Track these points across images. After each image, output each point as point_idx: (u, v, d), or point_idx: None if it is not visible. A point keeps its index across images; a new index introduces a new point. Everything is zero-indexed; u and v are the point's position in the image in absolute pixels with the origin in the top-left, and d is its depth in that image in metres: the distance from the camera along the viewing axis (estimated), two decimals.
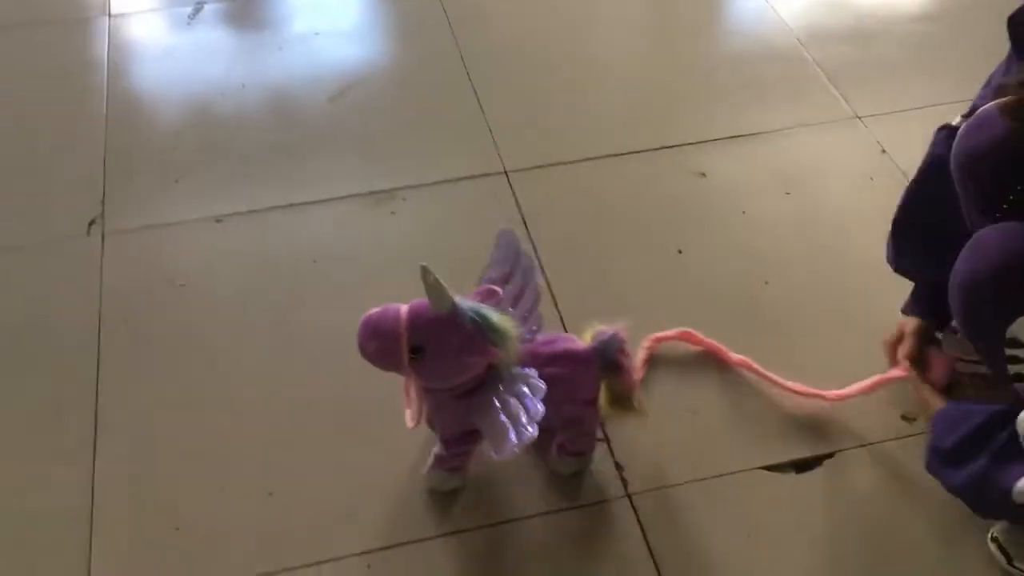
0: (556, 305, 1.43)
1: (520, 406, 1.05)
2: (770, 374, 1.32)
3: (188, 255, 1.55)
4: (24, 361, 1.40)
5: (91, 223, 1.59)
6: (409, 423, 1.16)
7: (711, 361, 1.36)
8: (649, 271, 1.51)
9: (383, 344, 1.06)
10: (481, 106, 1.82)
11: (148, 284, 1.50)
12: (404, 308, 1.07)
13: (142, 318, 1.46)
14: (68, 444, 1.28)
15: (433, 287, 1.03)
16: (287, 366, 1.38)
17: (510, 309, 1.17)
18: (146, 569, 1.16)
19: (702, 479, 1.23)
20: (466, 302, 1.07)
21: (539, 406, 1.05)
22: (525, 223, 1.58)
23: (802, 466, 1.24)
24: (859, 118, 1.77)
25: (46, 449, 1.29)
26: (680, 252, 1.53)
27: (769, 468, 1.24)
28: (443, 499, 1.21)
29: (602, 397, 1.21)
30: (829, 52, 1.92)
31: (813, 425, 1.28)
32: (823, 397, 1.29)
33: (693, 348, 1.38)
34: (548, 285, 1.46)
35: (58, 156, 1.74)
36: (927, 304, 1.29)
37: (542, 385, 1.08)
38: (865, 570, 1.15)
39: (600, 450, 1.26)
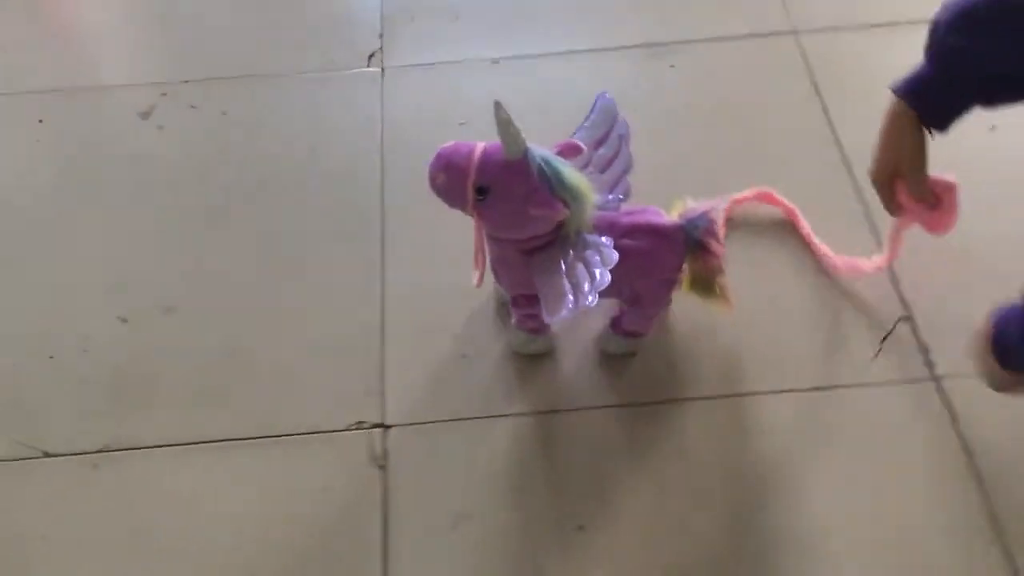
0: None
1: (586, 273, 0.99)
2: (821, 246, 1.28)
3: (466, 94, 1.53)
4: (313, 182, 1.43)
5: (371, 56, 1.60)
6: (475, 280, 1.11)
7: None
8: None
9: (450, 178, 1.01)
10: None
11: (428, 118, 1.50)
12: (479, 145, 1.01)
13: (424, 150, 1.46)
14: (358, 263, 1.32)
15: (505, 127, 0.96)
16: None
17: (597, 174, 1.10)
18: (435, 387, 1.19)
19: None
20: (540, 150, 1.00)
21: (606, 276, 0.98)
22: (818, 91, 1.49)
23: None
24: None
25: (338, 265, 1.32)
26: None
27: None
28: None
29: (683, 279, 1.13)
30: None
31: None
32: (861, 270, 1.25)
33: None
34: (847, 165, 1.39)
35: None
36: (938, 92, 1.02)
37: (614, 255, 1.00)
38: None
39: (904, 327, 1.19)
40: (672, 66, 1.55)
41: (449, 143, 1.03)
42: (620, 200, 1.16)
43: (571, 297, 0.98)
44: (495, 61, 1.58)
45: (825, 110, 1.47)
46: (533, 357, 1.22)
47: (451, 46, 1.61)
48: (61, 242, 1.36)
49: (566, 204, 1.01)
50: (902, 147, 1.06)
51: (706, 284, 1.14)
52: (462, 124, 1.48)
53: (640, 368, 1.20)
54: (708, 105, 1.50)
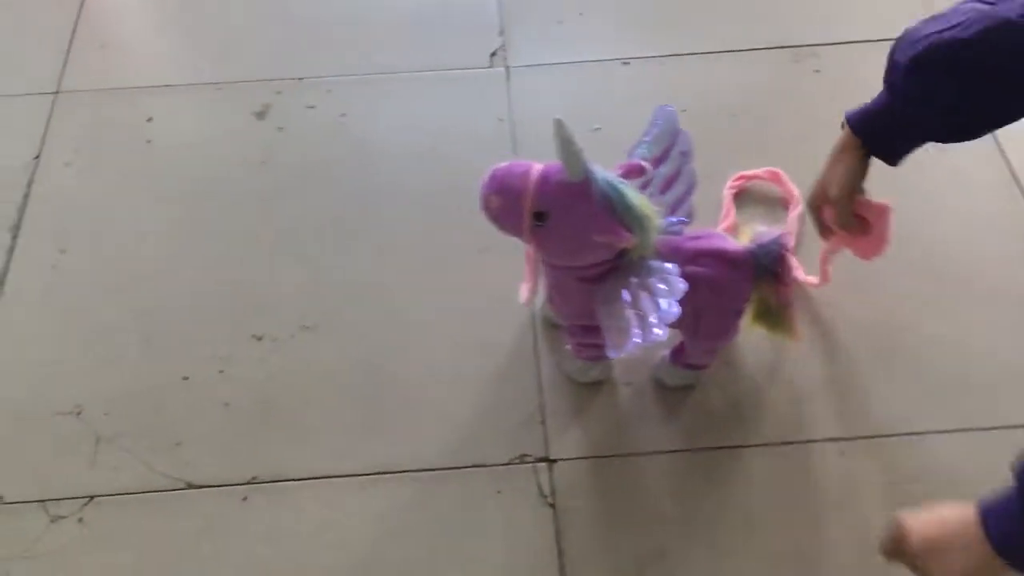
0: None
1: (652, 303, 0.91)
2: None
3: (596, 97, 1.45)
4: (443, 188, 1.34)
5: (492, 54, 1.52)
6: (522, 297, 1.05)
7: None
8: None
9: (506, 201, 0.93)
10: None
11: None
12: (536, 166, 0.93)
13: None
14: (502, 276, 1.20)
15: (567, 147, 0.88)
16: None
17: (658, 195, 1.02)
18: (599, 417, 1.11)
19: None
20: (603, 172, 0.92)
21: (674, 307, 0.90)
22: None
23: None
24: None
25: (481, 278, 1.23)
26: None
27: None
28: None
29: (751, 310, 1.05)
30: None
31: None
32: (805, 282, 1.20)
33: None
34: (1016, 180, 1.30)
35: None
36: (891, 126, 1.00)
37: (681, 284, 0.92)
38: None
39: None
40: (817, 71, 1.47)
41: (503, 163, 0.95)
42: (683, 223, 1.06)
43: (638, 330, 0.90)
44: (625, 62, 1.49)
45: None
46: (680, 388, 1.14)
47: (577, 44, 1.53)
48: (180, 252, 1.28)
49: (630, 230, 0.93)
50: (835, 173, 1.05)
51: (775, 316, 1.06)
52: (596, 129, 1.39)
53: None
54: None
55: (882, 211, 1.06)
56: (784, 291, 1.03)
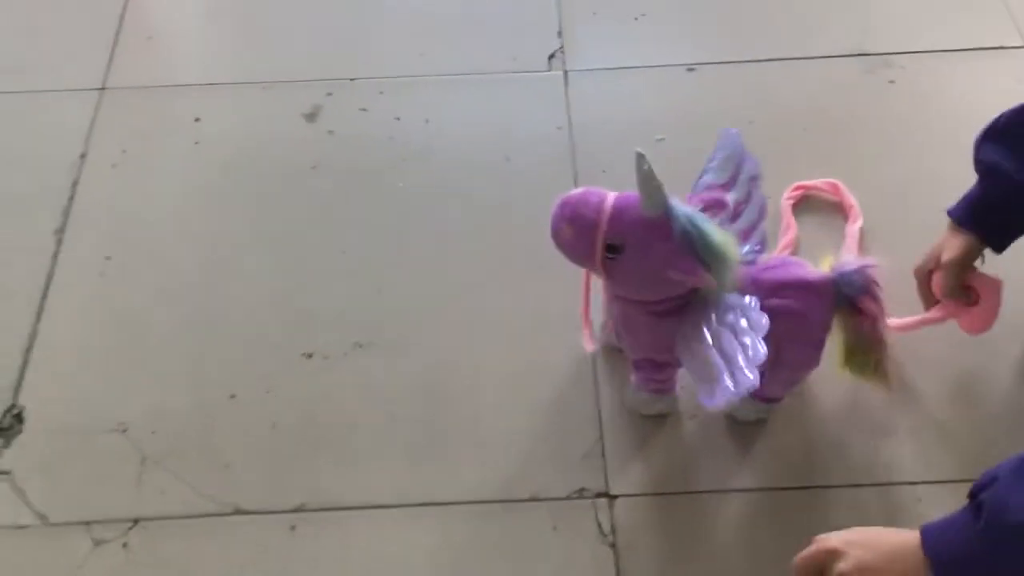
0: None
1: (736, 344, 0.85)
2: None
3: (659, 104, 1.39)
4: (500, 198, 1.29)
5: (551, 57, 1.46)
6: (588, 346, 1.01)
7: None
8: None
9: (578, 231, 0.89)
10: None
11: (619, 130, 1.35)
12: (611, 196, 0.88)
13: (621, 167, 1.30)
14: (560, 295, 1.14)
15: (647, 180, 0.84)
16: None
17: (728, 223, 0.96)
18: (661, 450, 1.06)
19: None
20: (684, 207, 0.87)
21: (759, 346, 0.84)
22: None
23: None
24: None
25: (538, 295, 1.18)
26: None
27: None
28: None
29: (838, 351, 0.99)
30: None
31: None
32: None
33: None
34: None
35: None
36: (990, 215, 1.02)
37: (764, 321, 0.87)
38: None
39: None
40: (892, 82, 1.40)
41: (577, 190, 0.91)
42: (757, 252, 1.00)
43: (728, 380, 0.84)
44: (691, 68, 1.43)
45: None
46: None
47: (638, 48, 1.47)
48: (228, 261, 1.24)
49: (708, 269, 0.88)
50: (951, 242, 1.03)
51: (862, 356, 0.99)
52: (660, 140, 1.33)
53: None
54: (932, 124, 1.35)
55: (994, 285, 1.02)
56: (869, 325, 0.97)
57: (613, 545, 1.00)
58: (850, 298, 0.96)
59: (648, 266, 0.89)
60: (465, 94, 1.42)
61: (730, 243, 0.89)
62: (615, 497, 1.03)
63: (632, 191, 0.89)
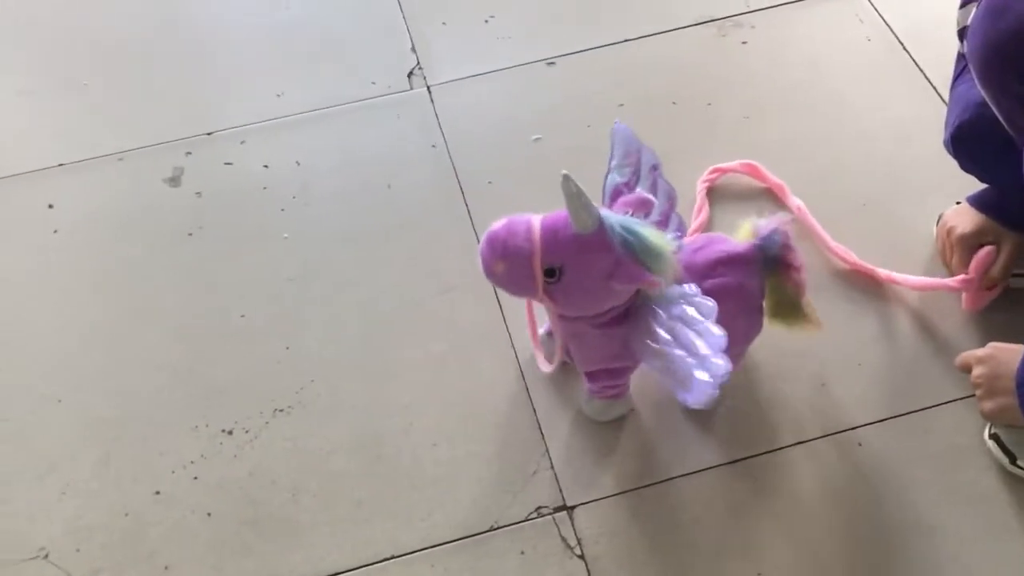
0: None
1: (692, 333, 0.87)
2: (825, 234, 1.18)
3: (528, 103, 1.37)
4: (390, 228, 1.25)
5: (410, 75, 1.43)
6: (544, 367, 1.03)
7: None
8: None
9: (513, 264, 0.88)
10: None
11: (496, 138, 1.33)
12: (536, 220, 0.88)
13: (505, 175, 1.29)
14: (476, 317, 1.15)
15: (575, 201, 0.84)
16: None
17: (644, 217, 0.97)
18: (604, 452, 1.05)
19: None
20: (614, 217, 0.88)
21: (717, 330, 0.85)
22: (909, 54, 1.38)
23: None
24: None
25: (454, 324, 1.15)
26: None
27: None
28: None
29: (767, 307, 1.02)
30: None
31: None
32: (874, 275, 1.14)
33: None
34: None
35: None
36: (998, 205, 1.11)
37: (710, 303, 0.87)
38: None
39: None
40: (744, 42, 1.43)
41: (498, 222, 0.89)
42: (679, 238, 1.01)
43: (699, 368, 0.84)
44: (551, 62, 1.42)
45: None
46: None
47: (495, 51, 1.45)
48: (117, 349, 1.16)
49: (651, 270, 0.88)
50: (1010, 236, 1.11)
51: (792, 307, 1.01)
52: (537, 139, 1.33)
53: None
54: (791, 77, 1.38)
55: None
56: (796, 277, 0.99)
57: (582, 556, 0.98)
58: (775, 257, 0.98)
59: (590, 282, 0.88)
60: (332, 128, 1.37)
61: (663, 238, 0.89)
62: (573, 508, 1.02)
63: (555, 211, 0.88)
